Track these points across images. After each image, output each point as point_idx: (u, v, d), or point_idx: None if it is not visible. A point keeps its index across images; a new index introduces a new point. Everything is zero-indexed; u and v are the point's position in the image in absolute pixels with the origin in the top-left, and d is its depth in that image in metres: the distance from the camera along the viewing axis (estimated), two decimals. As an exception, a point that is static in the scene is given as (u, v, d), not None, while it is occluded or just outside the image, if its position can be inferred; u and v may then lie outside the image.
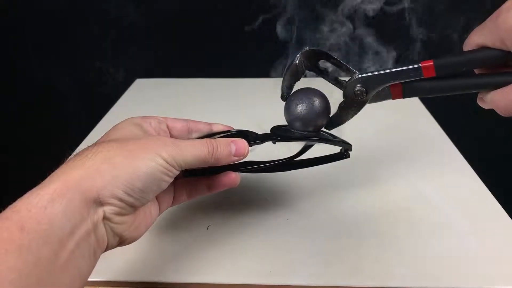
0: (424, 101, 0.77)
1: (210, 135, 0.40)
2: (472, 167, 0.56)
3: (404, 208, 0.48)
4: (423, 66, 0.33)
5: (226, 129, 0.41)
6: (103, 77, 1.03)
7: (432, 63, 0.33)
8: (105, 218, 0.28)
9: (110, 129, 0.35)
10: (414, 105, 0.76)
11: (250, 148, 0.37)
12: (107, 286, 0.39)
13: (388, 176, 0.54)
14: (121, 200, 0.28)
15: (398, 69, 0.34)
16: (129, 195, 0.29)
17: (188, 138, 0.39)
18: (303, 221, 0.46)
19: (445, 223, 0.45)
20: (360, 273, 0.39)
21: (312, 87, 0.39)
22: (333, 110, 0.39)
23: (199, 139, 0.34)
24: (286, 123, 0.40)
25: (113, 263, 0.40)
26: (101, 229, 0.28)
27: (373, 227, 0.45)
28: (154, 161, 0.29)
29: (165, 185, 0.31)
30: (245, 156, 0.36)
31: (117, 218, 0.29)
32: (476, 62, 0.33)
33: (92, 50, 1.03)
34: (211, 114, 0.72)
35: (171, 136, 0.38)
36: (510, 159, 1.07)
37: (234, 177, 0.38)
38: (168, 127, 0.38)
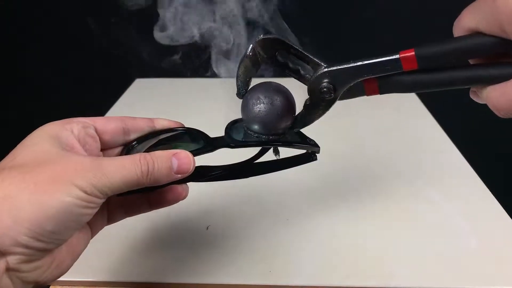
0: (424, 100, 0.77)
1: (152, 134, 0.33)
2: (472, 167, 0.56)
3: (404, 208, 0.48)
4: (402, 57, 0.27)
5: (172, 125, 0.34)
6: (103, 77, 1.03)
7: (413, 53, 0.27)
8: (9, 269, 0.23)
9: (18, 145, 0.27)
10: (414, 105, 0.76)
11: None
12: (107, 286, 0.39)
13: (387, 176, 0.54)
14: (27, 247, 0.23)
15: (371, 61, 0.29)
16: (37, 240, 0.23)
17: (125, 141, 0.32)
18: (303, 221, 0.46)
19: (445, 223, 0.45)
20: (360, 273, 0.39)
21: (273, 81, 0.33)
22: (300, 107, 0.34)
23: (130, 156, 0.28)
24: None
25: (113, 264, 0.40)
26: (5, 282, 0.23)
27: (373, 227, 0.45)
28: (68, 194, 0.23)
29: (87, 219, 0.26)
30: (190, 172, 0.30)
31: (26, 266, 0.24)
32: (467, 51, 0.27)
33: (93, 50, 1.02)
34: (211, 114, 0.72)
35: (102, 142, 0.31)
36: (510, 159, 1.07)
37: (181, 192, 0.32)
38: (97, 131, 0.31)
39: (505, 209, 0.47)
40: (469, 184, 0.52)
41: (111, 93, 0.81)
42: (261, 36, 0.31)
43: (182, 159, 0.29)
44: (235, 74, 0.32)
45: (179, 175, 0.29)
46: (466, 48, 0.27)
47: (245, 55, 0.31)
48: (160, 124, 0.34)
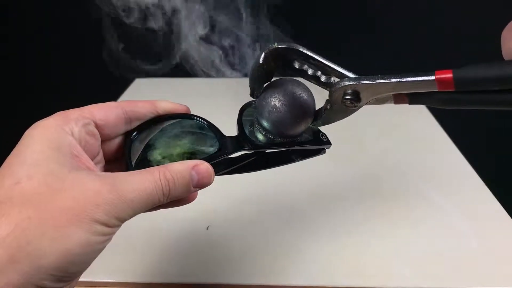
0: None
1: (155, 122, 0.31)
2: (473, 166, 0.56)
3: (404, 208, 0.48)
4: (438, 79, 0.25)
5: (177, 109, 0.31)
6: (103, 77, 1.03)
7: (451, 75, 0.24)
8: None
9: (15, 157, 0.24)
10: (415, 105, 0.76)
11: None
12: (107, 286, 0.39)
13: (388, 176, 0.54)
14: None
15: (403, 79, 0.26)
16: (61, 281, 0.22)
17: (126, 130, 0.30)
18: (303, 221, 0.46)
19: (446, 223, 0.45)
20: (360, 273, 0.39)
21: (291, 80, 0.31)
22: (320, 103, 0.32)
23: (148, 174, 0.25)
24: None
25: (113, 264, 0.40)
26: None
27: (374, 227, 0.45)
28: (92, 233, 0.22)
29: (106, 245, 0.24)
30: (209, 185, 0.28)
31: None
32: None
33: (92, 49, 1.02)
34: (212, 114, 0.72)
35: (102, 135, 0.28)
36: (510, 158, 1.07)
37: (194, 193, 0.30)
38: (96, 126, 0.28)
39: (505, 209, 0.47)
40: (470, 184, 0.52)
41: (111, 93, 0.81)
42: (275, 44, 0.29)
43: (202, 173, 0.27)
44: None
45: (198, 189, 0.27)
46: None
47: (257, 64, 0.29)
48: (163, 108, 0.31)
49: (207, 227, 0.45)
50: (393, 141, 0.63)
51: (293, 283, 0.38)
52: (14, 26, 1.02)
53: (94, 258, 0.23)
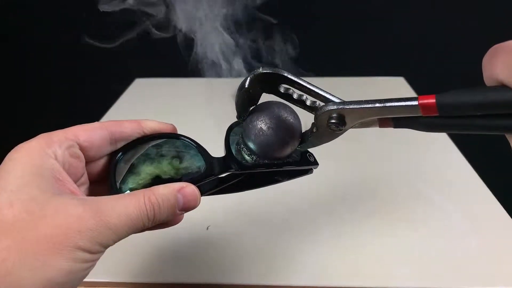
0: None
1: (140, 141, 0.30)
2: (473, 166, 0.56)
3: (404, 208, 0.48)
4: (421, 104, 0.25)
5: (162, 128, 0.30)
6: (103, 77, 1.03)
7: (434, 100, 0.25)
8: None
9: None
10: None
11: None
12: (107, 286, 0.39)
13: (388, 176, 0.54)
14: None
15: (387, 104, 0.26)
16: None
17: (111, 150, 0.29)
18: (303, 221, 0.46)
19: (446, 223, 0.45)
20: (360, 273, 0.39)
21: (277, 104, 0.31)
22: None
23: (133, 198, 0.24)
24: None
25: (113, 264, 0.40)
26: None
27: (373, 227, 0.45)
28: (72, 259, 0.21)
29: (90, 271, 0.24)
30: (195, 208, 0.27)
31: None
32: (495, 106, 0.23)
33: (92, 49, 1.02)
34: (211, 114, 0.72)
35: (87, 157, 0.28)
36: (510, 158, 1.07)
37: (181, 218, 0.30)
38: (81, 148, 0.27)
39: (505, 209, 0.47)
40: (470, 184, 0.52)
41: (111, 93, 0.81)
42: (260, 69, 0.29)
43: (188, 196, 0.26)
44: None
45: (184, 212, 0.27)
46: (496, 102, 0.23)
47: (243, 88, 0.29)
48: (149, 128, 0.30)
49: (207, 227, 0.45)
50: (393, 141, 0.63)
51: (293, 283, 0.38)
52: (14, 25, 1.02)
53: (78, 285, 0.23)
